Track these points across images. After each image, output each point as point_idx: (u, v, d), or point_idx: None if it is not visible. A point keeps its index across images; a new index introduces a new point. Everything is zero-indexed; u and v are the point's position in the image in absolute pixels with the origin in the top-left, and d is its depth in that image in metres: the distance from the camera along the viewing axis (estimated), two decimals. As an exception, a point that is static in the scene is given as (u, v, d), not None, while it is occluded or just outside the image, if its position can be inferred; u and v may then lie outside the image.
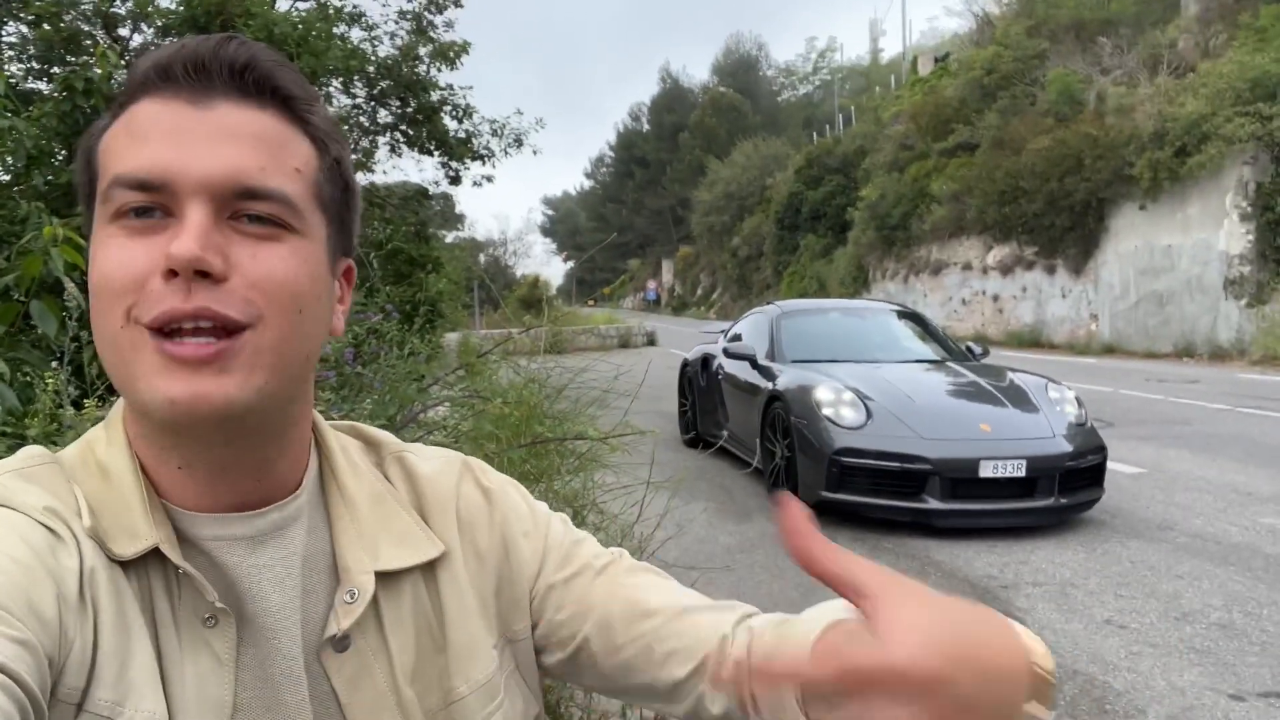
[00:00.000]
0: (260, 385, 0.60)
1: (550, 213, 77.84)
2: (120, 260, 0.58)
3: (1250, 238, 14.76)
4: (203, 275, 0.57)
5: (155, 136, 0.59)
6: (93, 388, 2.17)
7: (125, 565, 0.61)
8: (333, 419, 0.81)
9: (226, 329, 0.58)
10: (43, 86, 6.33)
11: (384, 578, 0.70)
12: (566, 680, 0.82)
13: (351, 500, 0.71)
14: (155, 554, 0.61)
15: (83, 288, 2.16)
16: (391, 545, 0.71)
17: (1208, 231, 15.50)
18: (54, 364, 2.19)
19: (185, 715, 0.60)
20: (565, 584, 0.79)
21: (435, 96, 9.70)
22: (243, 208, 0.59)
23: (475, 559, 0.77)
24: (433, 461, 0.80)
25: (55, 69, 6.25)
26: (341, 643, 0.67)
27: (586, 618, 0.77)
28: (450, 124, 9.99)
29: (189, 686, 0.60)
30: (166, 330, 0.57)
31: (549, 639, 0.79)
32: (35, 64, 6.54)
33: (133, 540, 0.61)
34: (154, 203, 0.58)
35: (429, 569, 0.73)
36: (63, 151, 4.23)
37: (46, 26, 6.23)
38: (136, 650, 0.59)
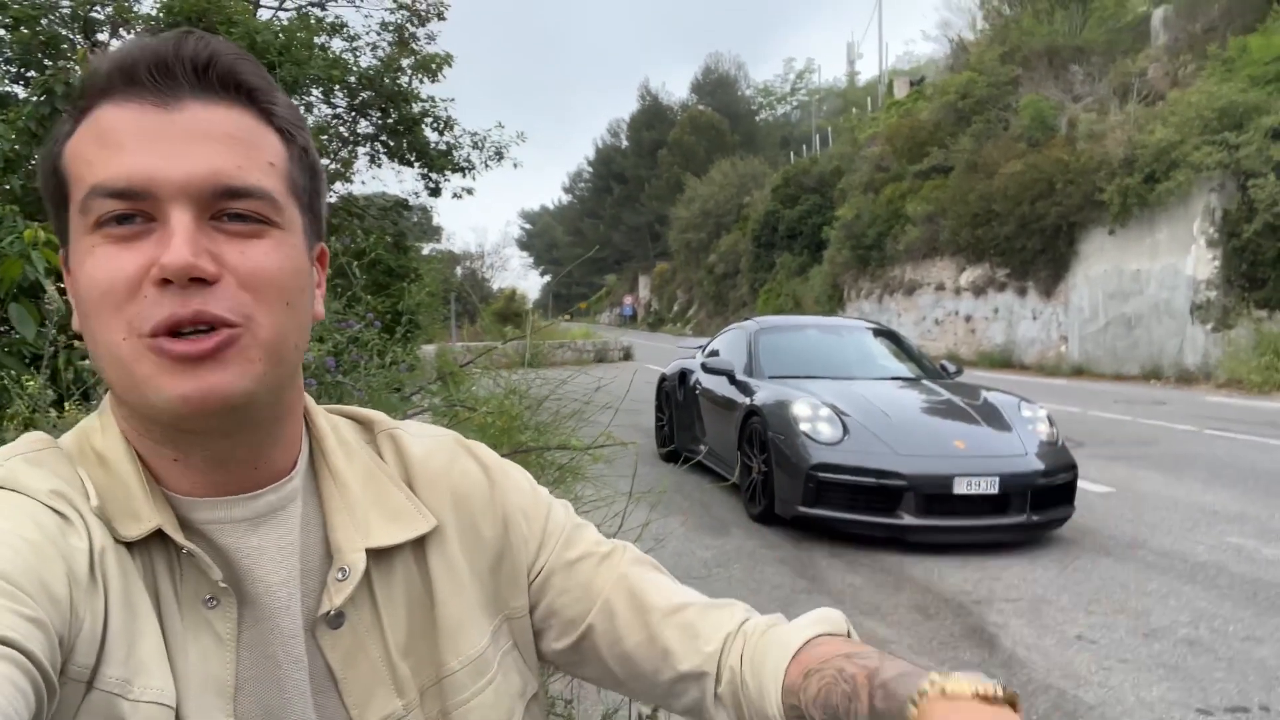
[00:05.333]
0: (260, 374, 0.61)
1: (528, 227, 77.70)
2: (111, 270, 0.58)
3: (1217, 263, 15.06)
4: (196, 280, 0.58)
5: (129, 143, 0.59)
6: (68, 392, 2.15)
7: (130, 547, 0.62)
8: None
9: (219, 327, 0.59)
10: (19, 90, 6.26)
11: (377, 555, 0.70)
12: (569, 670, 0.83)
13: (343, 480, 0.72)
14: (157, 536, 0.62)
15: (62, 292, 2.14)
16: (383, 522, 0.71)
17: (1175, 257, 15.79)
18: (30, 368, 2.16)
19: (189, 694, 0.60)
20: (568, 568, 0.79)
21: (416, 108, 9.69)
22: (224, 207, 0.60)
23: (472, 534, 0.77)
24: (425, 440, 0.80)
25: (32, 73, 6.19)
26: (336, 620, 0.68)
27: (591, 605, 0.78)
28: (431, 136, 9.99)
29: (192, 666, 0.61)
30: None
31: (551, 622, 0.80)
32: (12, 68, 6.46)
33: (136, 523, 0.62)
34: (136, 210, 0.58)
35: (419, 545, 0.73)
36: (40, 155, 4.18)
37: (24, 30, 6.17)
38: (144, 629, 0.60)
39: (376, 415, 0.81)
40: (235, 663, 0.63)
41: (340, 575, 0.68)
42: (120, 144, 0.59)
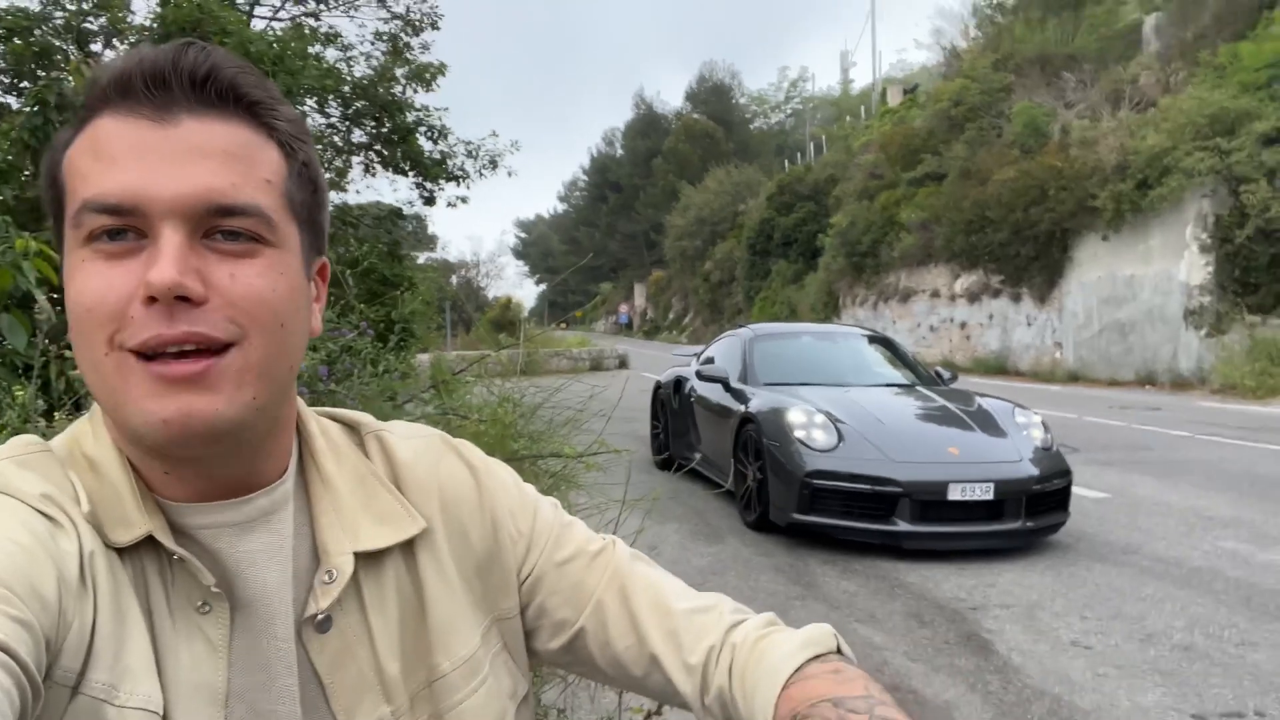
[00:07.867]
0: (249, 400, 0.60)
1: (523, 235, 77.69)
2: (99, 287, 0.58)
3: (1210, 269, 15.11)
4: (183, 300, 0.57)
5: (122, 158, 0.58)
6: (60, 402, 2.15)
7: (121, 552, 0.61)
8: None
9: (211, 348, 0.59)
10: (13, 101, 6.27)
11: (366, 558, 0.70)
12: (560, 668, 0.83)
13: (331, 483, 0.71)
14: (148, 542, 0.62)
15: (54, 302, 2.14)
16: (372, 525, 0.71)
17: (1168, 262, 15.85)
18: (21, 378, 2.16)
19: (179, 700, 0.60)
20: (559, 569, 0.79)
21: (410, 117, 9.71)
22: (217, 225, 0.59)
23: (459, 536, 0.76)
24: (413, 440, 0.79)
25: (26, 84, 6.19)
26: (324, 624, 0.67)
27: (583, 607, 0.78)
28: (425, 145, 10.00)
29: (183, 672, 0.61)
30: (151, 354, 0.58)
31: (542, 622, 0.79)
32: (5, 79, 6.47)
33: (127, 528, 0.61)
34: (126, 225, 0.58)
35: (409, 547, 0.73)
36: (32, 166, 4.19)
37: (17, 41, 6.18)
38: (132, 635, 0.59)
39: (363, 417, 0.80)
40: (227, 669, 0.62)
41: (327, 578, 0.68)
42: (113, 158, 0.58)
